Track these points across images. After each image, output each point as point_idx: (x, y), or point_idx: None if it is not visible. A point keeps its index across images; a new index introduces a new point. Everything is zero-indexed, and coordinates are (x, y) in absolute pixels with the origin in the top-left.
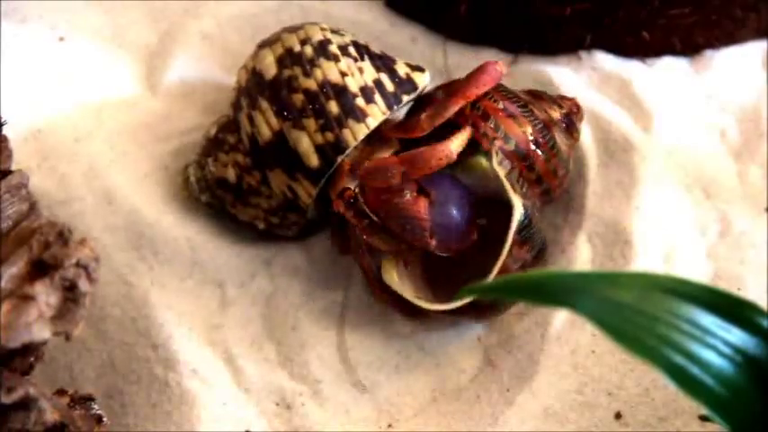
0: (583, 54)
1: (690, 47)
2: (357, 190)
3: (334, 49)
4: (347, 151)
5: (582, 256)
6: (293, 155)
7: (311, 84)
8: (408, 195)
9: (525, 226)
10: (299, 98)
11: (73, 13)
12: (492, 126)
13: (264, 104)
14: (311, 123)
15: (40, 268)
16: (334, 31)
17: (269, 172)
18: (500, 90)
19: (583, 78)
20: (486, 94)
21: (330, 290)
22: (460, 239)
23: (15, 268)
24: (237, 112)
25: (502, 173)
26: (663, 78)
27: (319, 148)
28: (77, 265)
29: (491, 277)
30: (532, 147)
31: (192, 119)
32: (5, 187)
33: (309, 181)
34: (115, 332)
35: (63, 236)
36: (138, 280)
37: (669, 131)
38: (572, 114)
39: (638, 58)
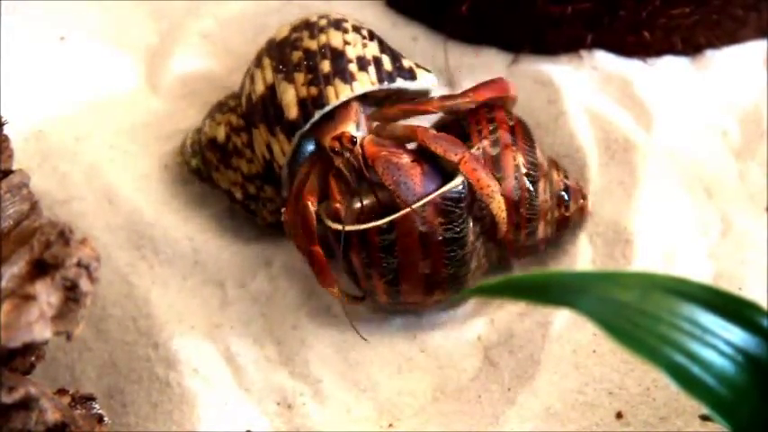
0: (583, 53)
1: (691, 46)
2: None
3: (347, 25)
4: (326, 108)
5: (583, 255)
6: (277, 107)
7: (313, 44)
8: (406, 159)
9: (452, 199)
10: (297, 55)
11: (74, 12)
12: (490, 129)
13: (266, 61)
14: (300, 77)
15: (41, 268)
16: (354, 21)
17: (254, 130)
18: (524, 134)
19: (583, 78)
20: (509, 127)
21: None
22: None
23: (16, 268)
24: (244, 78)
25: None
26: (664, 78)
27: (301, 101)
28: (78, 264)
29: (386, 219)
30: (514, 180)
31: (192, 118)
32: (6, 187)
33: (285, 135)
34: (116, 332)
35: (64, 235)
36: (138, 279)
37: (670, 131)
38: (572, 190)
39: (639, 58)
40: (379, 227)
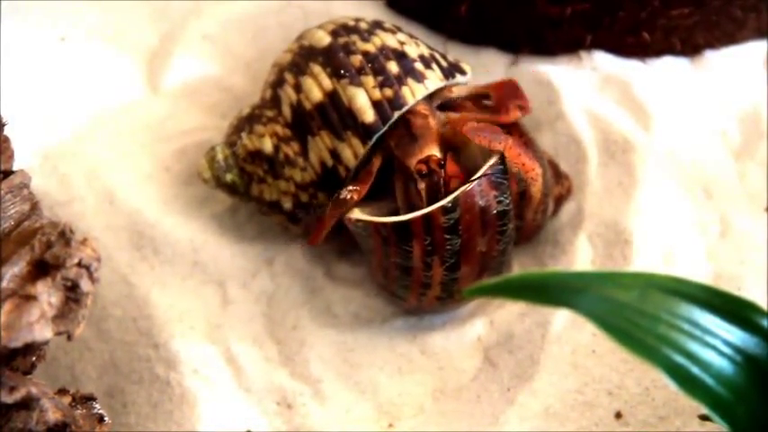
0: (583, 54)
1: (690, 47)
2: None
3: (388, 26)
4: (404, 108)
5: (582, 256)
6: (346, 113)
7: (370, 47)
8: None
9: (499, 172)
10: (357, 59)
11: (74, 13)
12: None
13: (317, 69)
14: (369, 80)
15: (42, 268)
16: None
17: (311, 138)
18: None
19: (583, 79)
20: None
21: (331, 289)
22: None
23: (17, 268)
24: (278, 88)
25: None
26: (663, 79)
27: (376, 104)
28: (79, 264)
29: (449, 197)
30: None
31: (193, 119)
32: (7, 187)
33: (359, 139)
34: (116, 332)
35: (65, 236)
36: (139, 280)
37: (669, 132)
38: (560, 170)
39: (639, 59)
40: (443, 206)
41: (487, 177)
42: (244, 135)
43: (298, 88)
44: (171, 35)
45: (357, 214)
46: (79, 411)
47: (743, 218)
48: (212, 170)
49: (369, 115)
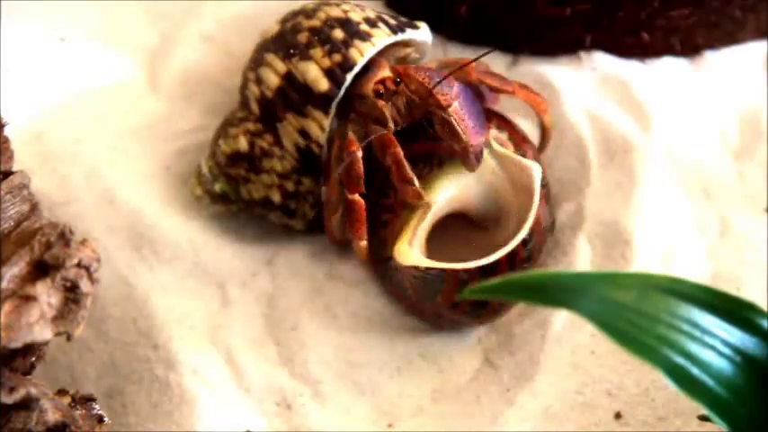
0: (583, 55)
1: (689, 47)
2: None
3: (334, 0)
4: (355, 69)
5: (582, 256)
6: (302, 89)
7: (315, 22)
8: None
9: (546, 186)
10: (304, 35)
11: (74, 13)
12: (492, 125)
13: (270, 57)
14: (318, 51)
15: (42, 269)
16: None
17: (280, 125)
18: (507, 119)
19: (582, 79)
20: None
21: (331, 290)
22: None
23: (17, 269)
24: (245, 89)
25: (507, 150)
26: (662, 79)
27: (328, 72)
28: (79, 265)
29: (526, 228)
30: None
31: (192, 119)
32: (7, 188)
33: (321, 110)
34: (116, 332)
35: (64, 236)
36: (138, 280)
37: (669, 132)
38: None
39: (638, 59)
40: (524, 239)
41: (543, 196)
42: (221, 141)
43: (258, 81)
44: (171, 35)
45: (423, 261)
46: (79, 412)
47: (742, 218)
48: (202, 185)
49: (323, 84)
